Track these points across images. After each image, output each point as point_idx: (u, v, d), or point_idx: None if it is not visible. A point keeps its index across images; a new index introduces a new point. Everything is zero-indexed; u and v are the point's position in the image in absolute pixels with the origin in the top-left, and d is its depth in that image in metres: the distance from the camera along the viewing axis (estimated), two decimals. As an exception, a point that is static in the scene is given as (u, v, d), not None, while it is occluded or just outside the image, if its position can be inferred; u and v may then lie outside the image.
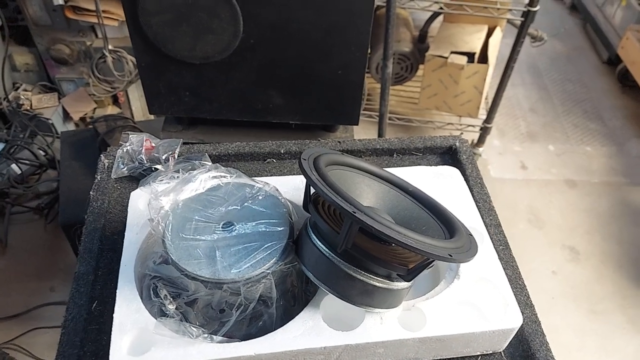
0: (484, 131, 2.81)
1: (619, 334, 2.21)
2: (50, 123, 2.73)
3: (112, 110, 2.81)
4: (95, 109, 2.80)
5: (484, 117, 2.77)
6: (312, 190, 0.84)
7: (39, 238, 2.46)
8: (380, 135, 2.31)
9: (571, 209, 2.70)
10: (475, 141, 2.89)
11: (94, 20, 2.40)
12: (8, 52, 2.76)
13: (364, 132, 2.92)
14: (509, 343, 0.92)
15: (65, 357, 0.87)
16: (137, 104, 2.79)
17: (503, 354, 0.92)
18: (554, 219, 2.65)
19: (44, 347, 2.08)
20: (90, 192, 1.12)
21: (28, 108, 2.76)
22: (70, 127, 2.81)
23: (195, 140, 1.59)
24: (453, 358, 0.91)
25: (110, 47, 2.44)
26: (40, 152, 2.66)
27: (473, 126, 2.85)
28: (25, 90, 2.84)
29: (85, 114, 2.79)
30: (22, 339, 2.10)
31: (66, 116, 2.81)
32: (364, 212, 0.73)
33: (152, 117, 2.50)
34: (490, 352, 0.92)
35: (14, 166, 2.56)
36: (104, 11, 2.32)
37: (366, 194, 0.93)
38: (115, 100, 2.82)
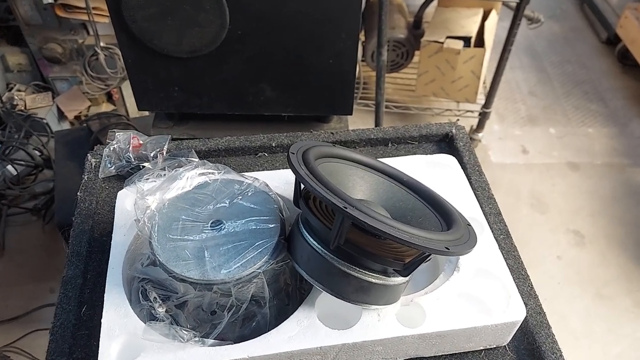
0: (483, 116, 2.78)
1: (626, 318, 2.19)
2: (45, 123, 2.70)
3: (106, 107, 2.79)
4: (89, 107, 2.77)
5: (483, 102, 2.73)
6: (303, 186, 0.81)
7: (36, 239, 2.44)
8: (377, 124, 2.29)
9: (574, 192, 2.67)
10: (475, 127, 2.86)
11: (85, 17, 2.37)
12: (0, 52, 2.74)
13: (361, 121, 2.89)
14: (513, 336, 0.89)
15: (54, 366, 0.85)
16: (132, 101, 2.74)
17: (507, 348, 0.89)
18: (557, 202, 2.62)
19: (44, 349, 2.06)
20: (78, 193, 1.09)
21: (22, 108, 2.74)
22: (65, 126, 2.79)
23: (187, 136, 1.56)
24: (455, 353, 0.88)
25: (102, 44, 2.42)
26: (36, 152, 2.64)
27: (472, 111, 2.82)
28: (19, 90, 2.81)
29: (80, 113, 2.76)
30: (22, 342, 2.08)
31: (61, 115, 2.78)
32: (356, 207, 0.70)
33: (146, 113, 2.48)
34: (494, 346, 0.89)
35: (9, 167, 2.54)
36: (94, 8, 2.29)
37: (359, 186, 0.90)
38: (109, 98, 2.80)
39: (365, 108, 2.86)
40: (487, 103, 2.70)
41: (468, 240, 0.78)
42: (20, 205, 2.52)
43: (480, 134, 2.87)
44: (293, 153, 0.80)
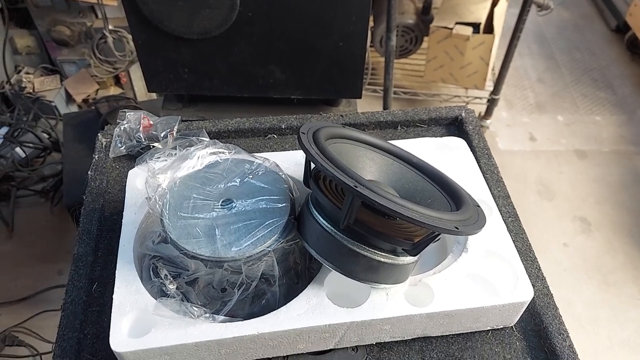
0: (492, 103, 2.78)
1: (632, 305, 2.19)
2: (53, 105, 2.71)
3: (114, 91, 2.79)
4: (97, 90, 2.78)
5: (491, 88, 2.73)
6: (313, 165, 0.81)
7: (45, 221, 2.45)
8: (385, 109, 2.28)
9: (581, 180, 2.67)
10: (483, 113, 2.85)
11: (93, 0, 2.36)
12: (9, 35, 2.74)
13: (369, 107, 2.89)
14: (520, 317, 0.89)
15: (65, 341, 0.86)
16: (140, 84, 2.77)
17: (514, 329, 0.90)
18: (564, 190, 2.62)
19: (53, 330, 2.06)
20: (89, 172, 1.10)
21: (30, 91, 2.74)
22: (73, 109, 2.80)
23: (196, 118, 1.56)
24: (462, 333, 0.89)
25: (110, 27, 2.41)
26: (44, 134, 2.65)
27: (480, 98, 2.81)
28: (27, 73, 2.82)
29: (88, 96, 2.77)
30: (31, 322, 2.10)
31: (69, 98, 2.79)
32: (366, 186, 0.70)
33: (154, 97, 2.48)
34: (501, 326, 0.89)
35: (18, 149, 2.55)
36: (102, -10, 2.29)
37: (369, 167, 0.90)
38: (117, 81, 2.80)
39: (373, 94, 2.86)
40: (496, 90, 2.70)
41: (477, 220, 0.78)
42: (29, 187, 2.53)
43: (488, 121, 2.86)
44: (304, 133, 0.81)
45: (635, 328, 2.12)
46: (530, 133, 2.91)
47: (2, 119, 2.63)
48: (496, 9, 2.62)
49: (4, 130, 2.58)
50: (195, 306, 0.79)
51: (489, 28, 2.58)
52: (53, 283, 2.20)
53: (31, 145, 2.60)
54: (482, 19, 2.57)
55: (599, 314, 2.16)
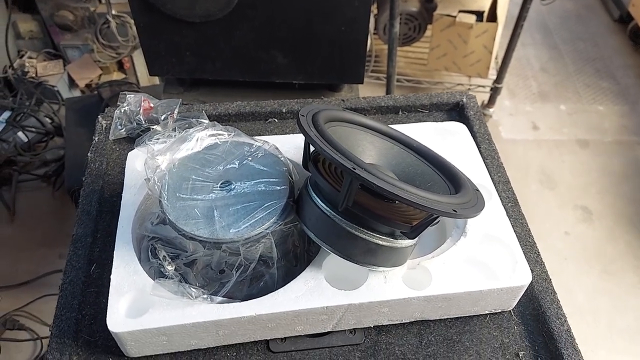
0: (495, 91, 2.77)
1: (633, 294, 2.19)
2: (55, 90, 2.71)
3: (117, 76, 2.79)
4: (100, 75, 2.78)
5: (494, 77, 2.73)
6: (312, 148, 0.81)
7: (46, 205, 2.46)
8: (388, 96, 2.28)
9: (583, 169, 2.66)
10: (486, 102, 2.85)
11: (96, -16, 2.37)
12: (12, 19, 2.73)
13: (372, 94, 2.85)
14: (519, 301, 0.89)
15: (63, 321, 0.86)
16: (143, 70, 2.76)
17: (512, 313, 0.90)
18: (566, 179, 2.62)
19: (53, 314, 2.08)
20: (88, 154, 1.10)
21: (33, 75, 2.75)
22: (76, 94, 2.80)
23: (197, 102, 1.56)
24: (460, 317, 0.89)
25: (113, 12, 2.41)
26: (47, 119, 2.65)
27: (483, 87, 2.81)
28: (30, 57, 2.81)
29: (91, 81, 2.76)
30: (32, 306, 2.11)
31: (72, 83, 2.79)
32: (365, 169, 0.70)
33: (157, 82, 2.48)
34: (499, 310, 0.89)
35: (20, 134, 2.55)
36: (105, -25, 2.29)
37: (368, 150, 0.90)
38: (120, 67, 2.80)
39: (376, 81, 2.85)
40: (499, 78, 2.70)
41: (476, 204, 0.78)
42: (31, 171, 2.54)
43: (491, 110, 2.86)
44: (303, 115, 0.80)
45: (636, 317, 2.12)
46: (533, 122, 2.90)
47: (4, 104, 2.63)
48: (500, -3, 2.61)
49: (7, 114, 2.58)
50: (193, 287, 0.79)
51: (493, 16, 2.57)
52: (54, 267, 2.20)
53: (34, 129, 2.60)
54: (486, 7, 2.57)
55: (599, 303, 2.17)
